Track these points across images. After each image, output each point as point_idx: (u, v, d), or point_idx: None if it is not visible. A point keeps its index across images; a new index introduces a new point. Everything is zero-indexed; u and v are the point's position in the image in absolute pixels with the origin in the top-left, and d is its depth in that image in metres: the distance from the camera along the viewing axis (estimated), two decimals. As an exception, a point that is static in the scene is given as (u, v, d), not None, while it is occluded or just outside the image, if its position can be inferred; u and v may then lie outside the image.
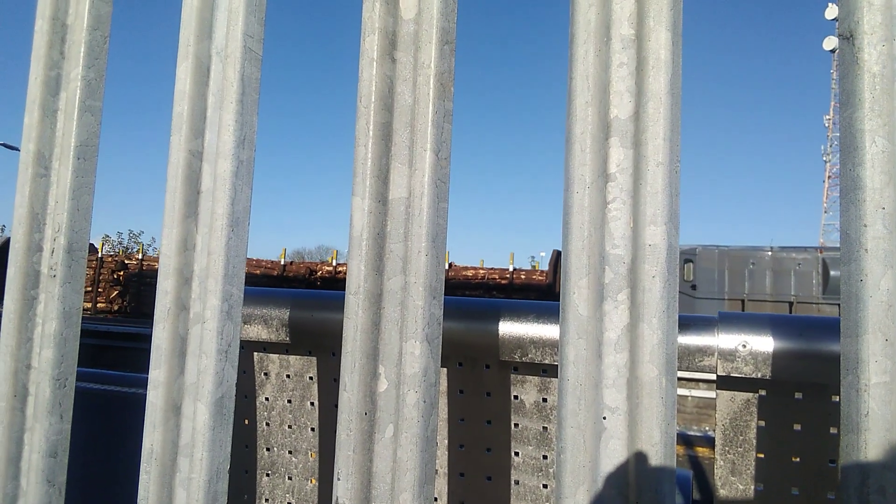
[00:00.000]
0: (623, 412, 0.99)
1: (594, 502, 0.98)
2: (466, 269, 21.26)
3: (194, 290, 1.28)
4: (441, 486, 1.47)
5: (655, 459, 0.95)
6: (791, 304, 16.00)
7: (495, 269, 21.40)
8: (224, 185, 1.30)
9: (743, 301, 16.40)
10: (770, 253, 16.58)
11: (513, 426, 1.43)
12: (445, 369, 1.49)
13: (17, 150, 1.53)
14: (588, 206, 1.07)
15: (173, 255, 1.29)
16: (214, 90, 1.34)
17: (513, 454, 1.43)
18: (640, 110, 1.07)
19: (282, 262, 21.79)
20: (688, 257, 17.03)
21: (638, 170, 1.05)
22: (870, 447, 0.86)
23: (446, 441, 1.48)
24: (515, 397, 1.44)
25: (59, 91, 1.49)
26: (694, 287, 16.92)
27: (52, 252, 1.43)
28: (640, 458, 0.96)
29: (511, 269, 21.49)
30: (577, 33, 1.13)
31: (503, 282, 20.95)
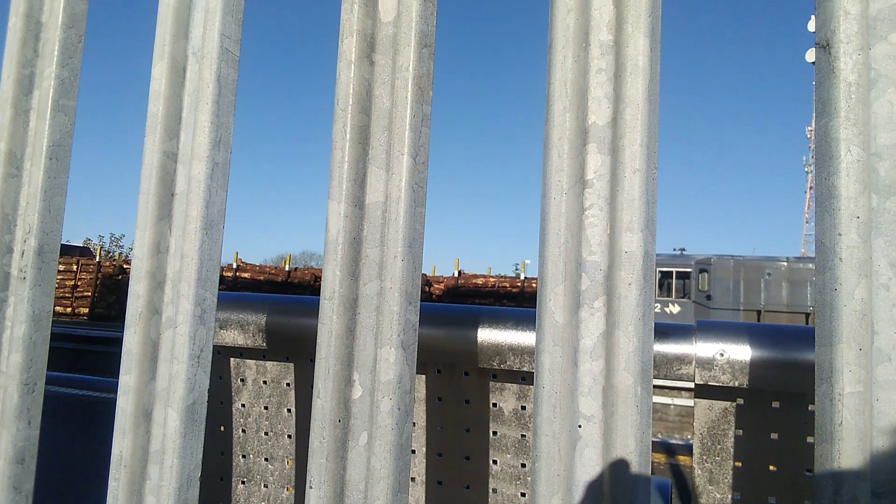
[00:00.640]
0: (598, 420, 0.98)
1: None
2: (476, 276, 21.00)
3: (167, 294, 1.25)
4: (419, 495, 1.45)
5: (630, 468, 0.94)
6: (808, 315, 15.98)
7: (506, 277, 21.17)
8: (198, 188, 1.28)
9: (759, 312, 16.31)
10: (786, 263, 16.54)
11: (491, 434, 1.42)
12: (424, 376, 1.47)
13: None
14: (565, 212, 1.06)
15: (146, 257, 1.27)
16: (190, 91, 1.32)
17: (491, 462, 1.41)
18: (618, 116, 1.06)
19: (286, 269, 21.49)
20: (703, 267, 16.91)
21: (615, 176, 1.05)
22: (843, 457, 0.86)
23: (424, 449, 1.46)
24: (494, 405, 1.43)
25: (32, 90, 1.46)
26: (709, 297, 16.80)
27: (23, 254, 1.40)
28: (614, 466, 0.95)
29: (522, 276, 21.26)
30: (556, 38, 1.12)
31: (514, 290, 20.68)
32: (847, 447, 0.86)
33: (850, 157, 0.92)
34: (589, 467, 0.97)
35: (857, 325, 0.87)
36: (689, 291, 17.08)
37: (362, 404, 1.11)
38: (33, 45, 1.49)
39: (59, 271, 22.14)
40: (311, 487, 1.10)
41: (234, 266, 21.60)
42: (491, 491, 1.40)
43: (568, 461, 0.98)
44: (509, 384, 1.42)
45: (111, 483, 1.23)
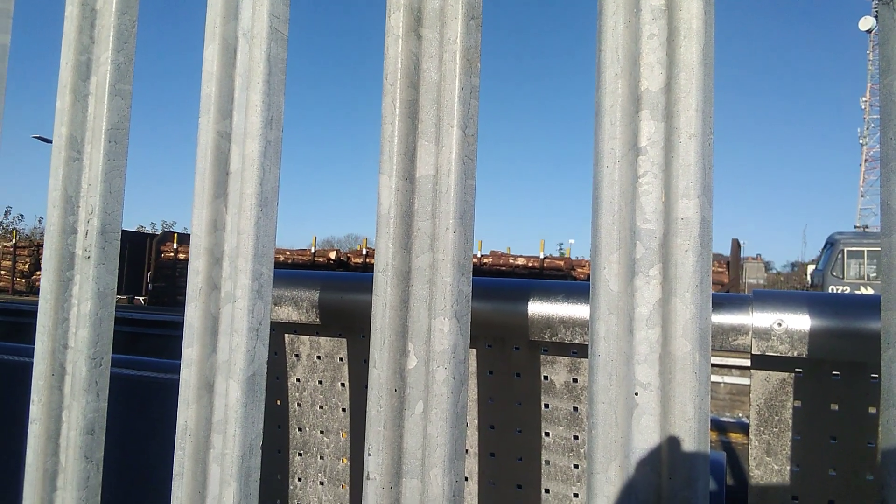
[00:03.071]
0: (655, 388, 0.97)
1: (626, 478, 0.97)
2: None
3: (225, 270, 1.29)
4: (472, 466, 1.47)
5: (689, 435, 0.94)
6: None
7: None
8: (252, 166, 1.30)
9: None
10: None
11: (543, 407, 1.43)
12: (475, 350, 1.48)
13: (51, 142, 1.56)
14: (618, 180, 1.05)
15: (203, 235, 1.30)
16: (241, 71, 1.34)
17: (543, 434, 1.42)
18: (672, 82, 1.05)
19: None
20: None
21: (669, 142, 1.03)
22: (913, 421, 0.84)
23: (476, 422, 1.48)
24: (545, 378, 1.43)
25: (90, 75, 1.50)
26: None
27: (87, 234, 1.45)
28: (673, 434, 0.95)
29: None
30: (606, 4, 1.10)
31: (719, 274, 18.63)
32: (917, 411, 0.84)
33: (918, 115, 0.88)
34: (646, 435, 0.97)
35: (927, 287, 0.85)
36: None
37: (417, 374, 1.13)
38: (89, 31, 1.53)
39: (179, 260, 21.93)
40: (369, 455, 1.12)
41: (363, 252, 20.92)
42: (544, 462, 1.41)
43: (625, 429, 0.98)
44: (560, 357, 1.42)
45: (177, 452, 1.28)
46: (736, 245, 18.16)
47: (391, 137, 1.21)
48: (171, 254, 21.91)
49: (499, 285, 1.45)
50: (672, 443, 0.95)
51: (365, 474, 1.12)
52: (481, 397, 1.47)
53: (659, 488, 0.95)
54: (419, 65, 1.23)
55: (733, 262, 18.12)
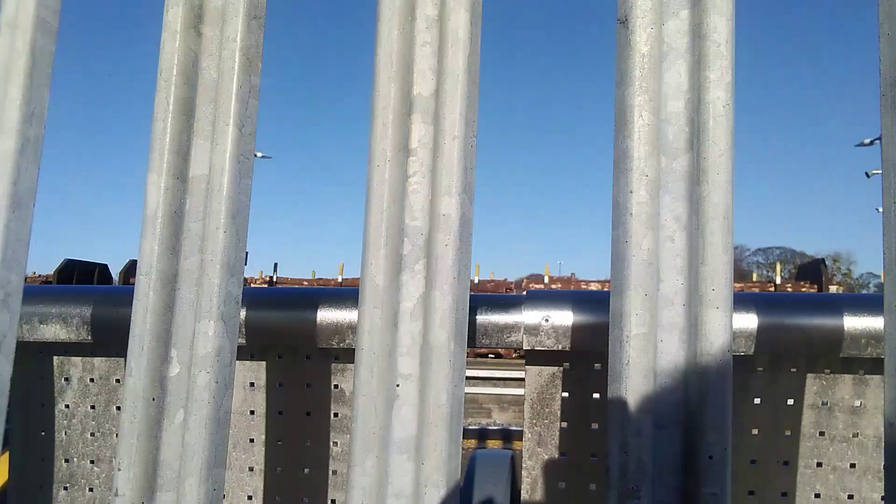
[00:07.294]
0: (415, 378, 0.98)
1: (382, 468, 0.96)
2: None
3: (-37, 276, 1.15)
4: (257, 484, 1.40)
5: (442, 421, 0.96)
6: None
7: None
8: (5, 164, 1.18)
9: None
10: None
11: (332, 416, 1.40)
12: (265, 362, 1.43)
13: None
14: (388, 179, 1.07)
15: (-62, 236, 1.15)
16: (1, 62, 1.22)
17: (332, 444, 1.39)
18: (440, 88, 1.09)
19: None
20: None
21: (437, 144, 1.07)
22: (630, 393, 0.92)
23: (264, 437, 1.42)
24: (335, 386, 1.41)
25: None
26: None
27: None
28: (428, 421, 0.96)
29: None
30: (383, 11, 1.14)
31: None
32: (633, 384, 0.92)
33: (641, 122, 0.99)
34: (405, 424, 0.97)
35: (644, 273, 0.94)
36: None
37: (179, 381, 1.06)
38: None
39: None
40: (119, 470, 1.03)
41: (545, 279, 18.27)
42: (331, 473, 1.38)
43: (385, 420, 0.98)
44: (350, 364, 1.40)
45: None
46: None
47: (163, 135, 1.15)
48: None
49: (286, 293, 1.42)
50: (426, 430, 0.96)
51: (113, 491, 1.02)
52: (270, 411, 1.42)
53: (415, 474, 0.96)
54: (198, 62, 1.19)
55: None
